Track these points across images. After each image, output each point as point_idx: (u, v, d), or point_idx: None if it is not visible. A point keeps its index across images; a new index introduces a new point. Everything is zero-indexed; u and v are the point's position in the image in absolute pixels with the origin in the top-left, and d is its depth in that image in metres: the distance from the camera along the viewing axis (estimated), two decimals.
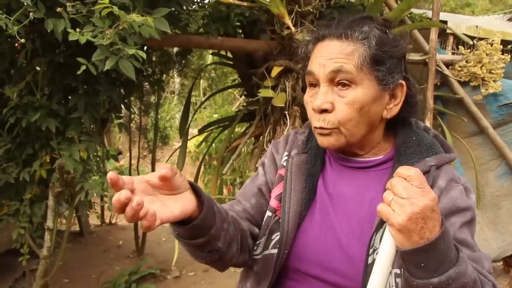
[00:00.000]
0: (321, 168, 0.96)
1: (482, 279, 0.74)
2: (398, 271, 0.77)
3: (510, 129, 2.87)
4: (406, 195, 0.67)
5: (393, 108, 0.88)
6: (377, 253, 0.76)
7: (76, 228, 4.47)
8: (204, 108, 8.65)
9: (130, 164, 4.25)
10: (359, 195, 0.89)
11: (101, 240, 4.50)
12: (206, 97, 4.88)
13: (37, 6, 1.63)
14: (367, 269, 0.79)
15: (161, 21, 1.74)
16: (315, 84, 0.87)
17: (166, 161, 5.61)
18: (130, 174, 4.09)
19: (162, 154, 8.18)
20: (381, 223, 0.79)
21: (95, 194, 2.31)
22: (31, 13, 1.57)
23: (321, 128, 0.85)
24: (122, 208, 0.62)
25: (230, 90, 6.97)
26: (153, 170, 4.15)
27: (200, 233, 0.77)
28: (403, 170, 0.70)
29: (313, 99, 0.86)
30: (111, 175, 0.62)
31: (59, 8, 1.60)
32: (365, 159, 0.92)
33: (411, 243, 0.67)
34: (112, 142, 7.83)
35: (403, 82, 0.87)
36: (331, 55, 0.83)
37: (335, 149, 0.91)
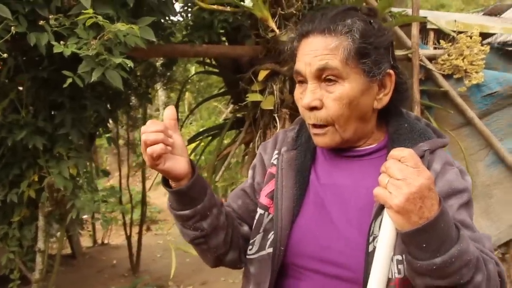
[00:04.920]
0: (311, 162, 0.95)
1: (484, 257, 0.73)
2: (400, 257, 0.76)
3: (495, 118, 2.91)
4: (402, 176, 0.66)
5: (383, 98, 0.87)
6: (377, 241, 0.74)
7: (68, 250, 4.36)
8: (190, 123, 8.61)
9: (120, 182, 4.18)
10: (355, 184, 0.88)
11: (94, 261, 4.39)
12: (192, 108, 4.85)
13: (19, 20, 1.60)
14: (368, 257, 0.78)
15: (146, 30, 1.74)
16: (303, 81, 0.87)
17: (156, 176, 5.55)
18: (121, 192, 4.04)
19: (151, 170, 8.08)
20: (380, 210, 0.78)
21: (86, 214, 2.26)
22: (12, 27, 1.54)
23: (314, 125, 0.86)
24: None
25: (215, 103, 6.98)
26: (143, 188, 4.11)
27: (186, 202, 0.83)
28: (396, 152, 0.69)
29: (303, 96, 0.86)
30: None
31: (41, 22, 1.57)
32: (358, 148, 0.92)
33: (410, 224, 0.67)
34: (99, 163, 7.71)
35: (391, 71, 0.86)
36: (315, 52, 0.83)
37: (332, 148, 0.91)
